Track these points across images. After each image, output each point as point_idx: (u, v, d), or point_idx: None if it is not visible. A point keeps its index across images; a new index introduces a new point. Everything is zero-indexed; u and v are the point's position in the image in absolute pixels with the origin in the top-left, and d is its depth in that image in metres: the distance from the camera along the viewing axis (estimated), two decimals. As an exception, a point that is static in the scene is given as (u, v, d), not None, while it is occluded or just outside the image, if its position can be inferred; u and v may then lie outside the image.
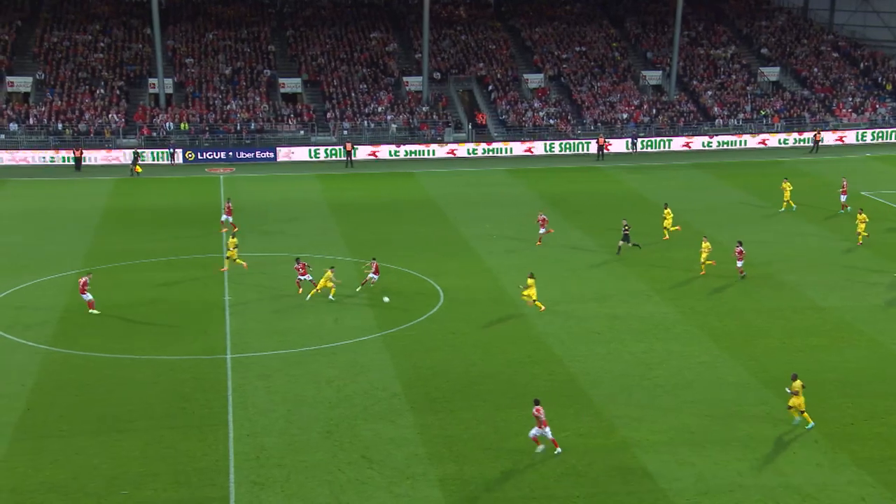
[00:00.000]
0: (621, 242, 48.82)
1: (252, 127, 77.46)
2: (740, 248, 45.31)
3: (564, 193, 63.95)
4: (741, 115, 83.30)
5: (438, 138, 78.78)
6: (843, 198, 57.79)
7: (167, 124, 76.48)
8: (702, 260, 45.77)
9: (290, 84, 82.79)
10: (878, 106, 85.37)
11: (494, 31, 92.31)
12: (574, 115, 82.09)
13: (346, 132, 78.02)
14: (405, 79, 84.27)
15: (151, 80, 79.92)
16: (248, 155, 74.98)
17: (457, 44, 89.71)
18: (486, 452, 29.37)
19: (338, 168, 73.14)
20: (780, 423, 31.20)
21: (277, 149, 75.23)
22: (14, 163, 71.62)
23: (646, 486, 27.55)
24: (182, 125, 76.66)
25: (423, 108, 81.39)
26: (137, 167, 69.57)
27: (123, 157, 72.41)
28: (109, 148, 73.70)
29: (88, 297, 39.93)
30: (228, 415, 31.66)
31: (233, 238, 47.39)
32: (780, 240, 52.63)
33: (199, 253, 49.62)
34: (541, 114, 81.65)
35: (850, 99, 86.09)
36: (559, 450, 29.06)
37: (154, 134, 75.79)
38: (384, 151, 76.37)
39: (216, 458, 28.66)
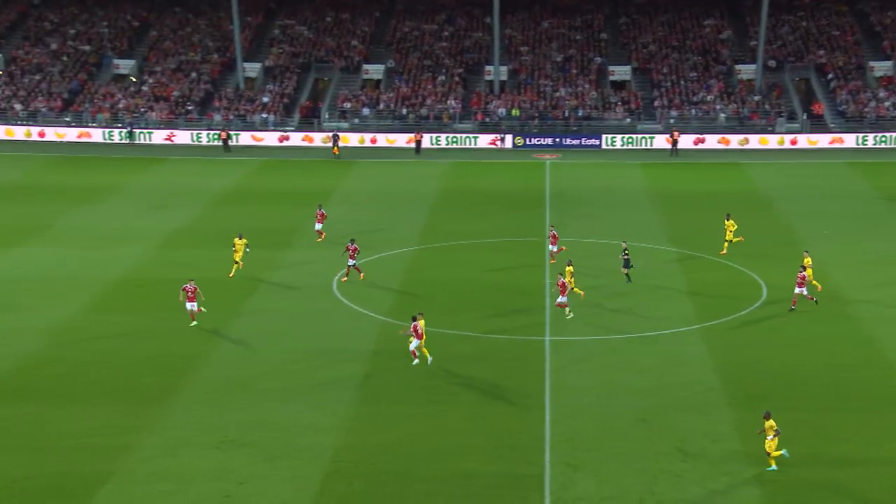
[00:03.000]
0: (625, 270, 42.90)
1: (579, 114, 77.88)
2: None
3: None
4: None
5: (769, 128, 75.54)
6: None
7: (500, 110, 78.51)
8: None
9: (620, 72, 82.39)
10: None
11: (839, 16, 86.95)
12: (922, 106, 75.93)
13: (672, 121, 76.60)
14: (737, 67, 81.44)
15: (488, 68, 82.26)
16: (574, 141, 75.48)
17: (796, 30, 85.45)
18: (808, 457, 27.94)
19: (662, 157, 72.00)
20: None
21: (603, 135, 75.15)
22: (364, 145, 76.15)
23: None
24: (513, 111, 78.42)
25: (755, 98, 78.31)
26: (336, 149, 71.77)
27: (461, 141, 75.21)
28: (445, 132, 76.66)
29: (192, 306, 37.63)
30: (545, 396, 32.12)
31: (241, 238, 44.12)
32: None
33: (523, 236, 50.56)
34: (886, 104, 76.12)
35: None
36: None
37: (487, 119, 78.06)
38: (711, 140, 74.26)
39: (532, 436, 29.18)
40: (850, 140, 73.47)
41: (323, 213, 49.53)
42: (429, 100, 79.99)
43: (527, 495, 26.23)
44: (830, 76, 79.89)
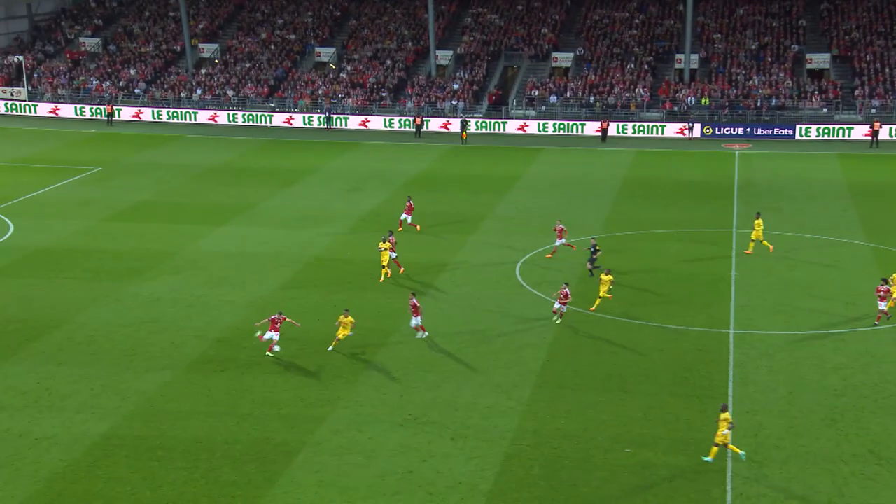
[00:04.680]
0: (590, 265, 41.24)
1: (773, 103, 74.93)
2: None
3: None
4: None
5: (979, 119, 70.68)
6: None
7: (689, 99, 76.48)
8: None
9: (818, 59, 78.70)
10: None
11: None
12: None
13: (873, 111, 72.64)
14: (947, 54, 76.52)
15: (678, 56, 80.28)
16: (766, 131, 72.75)
17: None
18: None
19: (861, 148, 68.44)
20: None
21: (797, 126, 72.11)
22: (549, 133, 75.79)
23: None
24: (703, 100, 76.24)
25: (965, 87, 73.36)
26: (464, 134, 71.42)
27: (647, 129, 73.85)
28: (633, 121, 75.38)
29: (271, 335, 33.90)
30: (729, 389, 31.21)
31: (384, 242, 41.72)
32: None
33: (710, 227, 49.16)
34: None
35: None
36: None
37: (675, 108, 76.21)
38: (915, 132, 70.13)
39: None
40: None
41: (411, 205, 48.66)
42: (616, 88, 78.77)
43: (708, 489, 25.57)
44: None
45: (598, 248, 41.82)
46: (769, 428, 28.57)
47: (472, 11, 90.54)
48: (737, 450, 26.58)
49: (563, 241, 43.88)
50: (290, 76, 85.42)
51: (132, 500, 25.35)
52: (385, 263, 41.37)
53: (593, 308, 37.21)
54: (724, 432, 26.37)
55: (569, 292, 36.36)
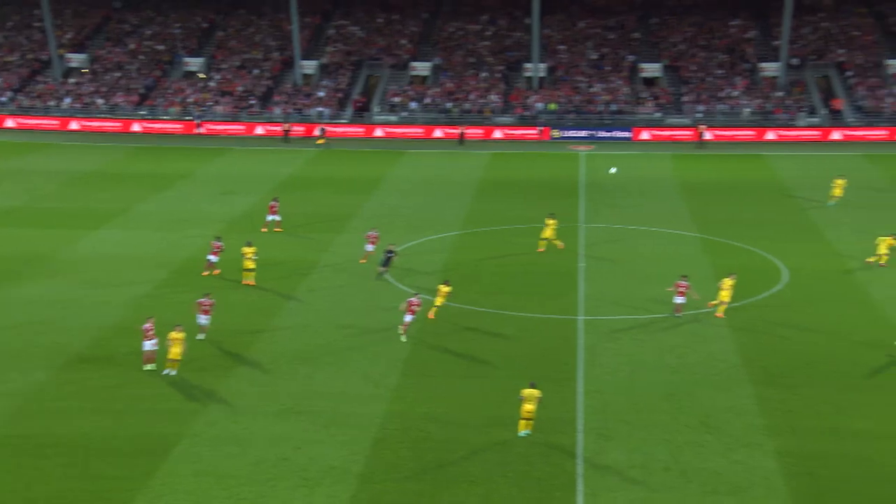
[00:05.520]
0: (383, 268, 40.77)
1: (612, 108, 77.15)
2: None
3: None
4: None
5: (791, 122, 74.33)
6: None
7: (538, 105, 78.00)
8: None
9: (650, 69, 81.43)
10: None
11: (859, 17, 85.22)
12: (936, 102, 74.29)
13: (699, 115, 75.63)
14: (762, 65, 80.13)
15: (527, 65, 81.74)
16: (607, 134, 74.82)
17: (817, 30, 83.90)
18: (826, 430, 27.60)
19: (689, 149, 71.13)
20: None
21: (633, 129, 74.43)
22: (412, 137, 76.04)
23: None
24: (551, 106, 77.87)
25: (778, 94, 77.07)
26: (320, 139, 71.35)
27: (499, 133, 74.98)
28: (487, 125, 76.33)
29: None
30: (578, 371, 31.96)
31: (250, 247, 40.50)
32: None
33: (559, 222, 50.20)
34: (900, 100, 74.66)
35: None
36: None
37: (526, 113, 77.59)
38: (736, 135, 73.21)
39: (567, 409, 29.05)
40: (867, 134, 72.02)
41: (275, 206, 48.27)
42: (472, 95, 79.68)
43: (561, 462, 26.14)
44: (849, 73, 78.39)
45: (394, 252, 40.95)
46: (614, 404, 29.41)
47: (335, 24, 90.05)
48: (528, 427, 27.22)
49: (373, 247, 42.87)
50: (160, 85, 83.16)
51: (12, 498, 24.26)
52: (250, 267, 40.28)
53: (431, 315, 36.04)
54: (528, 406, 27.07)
55: (419, 301, 34.73)
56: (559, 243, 44.71)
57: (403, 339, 34.26)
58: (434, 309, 36.18)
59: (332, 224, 49.90)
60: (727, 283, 36.28)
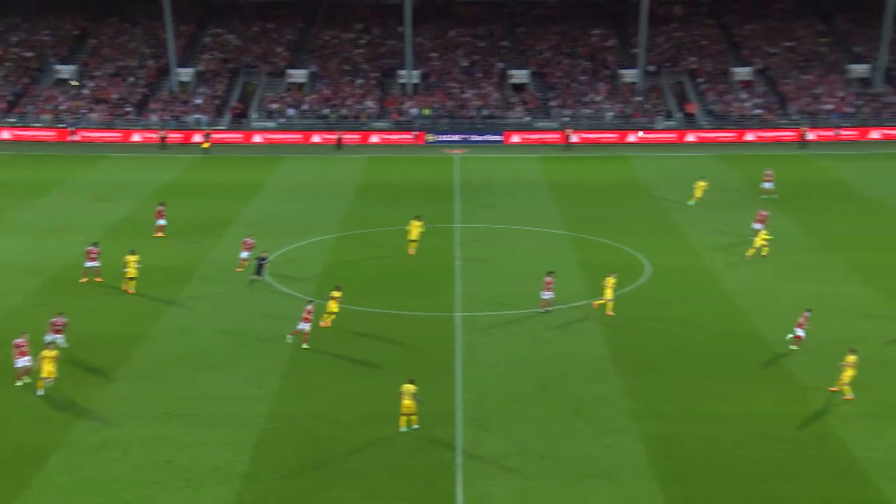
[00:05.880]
0: (256, 276, 39.79)
1: (484, 113, 78.13)
2: None
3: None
4: (947, 107, 76.65)
5: (650, 125, 76.84)
6: (765, 184, 54.74)
7: (412, 110, 78.30)
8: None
9: (519, 75, 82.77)
10: None
11: (707, 28, 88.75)
12: (779, 106, 78.00)
13: (566, 119, 77.36)
14: (621, 71, 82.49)
15: (401, 72, 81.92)
16: (479, 138, 75.69)
17: (671, 39, 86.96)
18: (685, 413, 28.66)
19: (557, 151, 72.64)
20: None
21: (504, 132, 75.57)
22: (290, 142, 75.17)
23: (839, 454, 26.15)
24: (425, 111, 78.28)
25: (637, 98, 79.54)
26: (205, 143, 70.77)
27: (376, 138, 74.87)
28: (364, 131, 76.18)
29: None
30: (456, 366, 32.25)
31: (133, 255, 39.27)
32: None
33: (435, 223, 50.53)
34: (747, 104, 78.05)
35: None
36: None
37: (401, 118, 77.79)
38: (599, 137, 75.20)
39: (445, 402, 29.28)
40: (718, 136, 75.05)
41: (162, 211, 47.46)
42: (348, 101, 79.38)
43: (441, 455, 26.35)
44: (701, 80, 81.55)
45: (267, 259, 40.10)
46: (491, 397, 29.81)
47: (211, 32, 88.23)
48: (415, 422, 27.41)
49: (248, 254, 41.83)
50: (30, 92, 79.75)
51: None
52: (132, 275, 39.06)
53: (327, 323, 35.18)
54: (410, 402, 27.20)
55: (313, 307, 34.12)
56: (412, 250, 44.40)
57: (304, 346, 33.49)
58: (329, 317, 35.24)
59: (212, 230, 48.91)
60: (610, 281, 37.12)
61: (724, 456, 26.14)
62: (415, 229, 44.65)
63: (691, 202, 53.55)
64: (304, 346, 33.51)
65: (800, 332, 33.08)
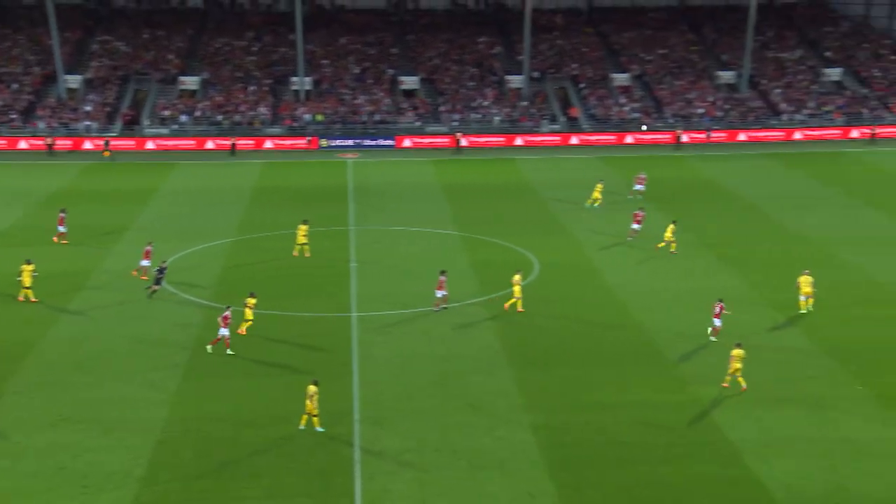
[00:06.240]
0: (154, 286, 38.29)
1: (376, 118, 78.04)
2: None
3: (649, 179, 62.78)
4: (805, 111, 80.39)
5: (536, 129, 78.13)
6: (637, 186, 56.31)
7: (305, 116, 77.61)
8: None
9: (409, 81, 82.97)
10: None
11: (587, 36, 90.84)
12: (655, 110, 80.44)
13: (455, 123, 77.96)
14: (508, 77, 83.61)
15: (293, 79, 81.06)
16: (372, 142, 75.56)
17: (553, 47, 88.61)
18: (573, 404, 29.26)
19: (447, 154, 73.13)
20: (838, 385, 30.32)
21: (396, 137, 75.67)
22: (183, 149, 73.54)
23: (715, 437, 27.14)
24: (318, 117, 77.69)
25: (523, 103, 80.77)
26: (106, 152, 69.18)
27: (271, 144, 73.90)
28: (258, 136, 75.13)
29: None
30: (353, 365, 32.14)
31: (29, 264, 37.74)
32: (843, 223, 50.80)
33: (331, 226, 50.30)
34: (626, 108, 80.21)
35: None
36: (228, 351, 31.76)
37: (295, 124, 77.01)
38: (488, 141, 76.06)
39: (343, 401, 29.16)
40: (599, 139, 76.83)
41: (62, 217, 46.04)
42: (241, 107, 78.10)
43: (340, 451, 26.24)
44: (582, 85, 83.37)
45: (165, 269, 38.66)
46: (387, 394, 29.82)
47: (99, 39, 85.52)
48: (317, 424, 27.20)
49: (148, 262, 40.71)
50: (-88, 99, 75.79)
51: None
52: (27, 284, 37.50)
53: (242, 331, 34.34)
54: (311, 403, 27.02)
55: (229, 314, 33.27)
56: (296, 252, 44.12)
57: (229, 351, 32.77)
58: (245, 324, 34.33)
59: (106, 237, 47.43)
60: (516, 278, 37.48)
61: (610, 443, 26.81)
62: (301, 233, 44.33)
63: (589, 203, 54.49)
64: (229, 351, 32.80)
65: (717, 323, 34.22)
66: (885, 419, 27.93)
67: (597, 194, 54.77)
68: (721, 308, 34.20)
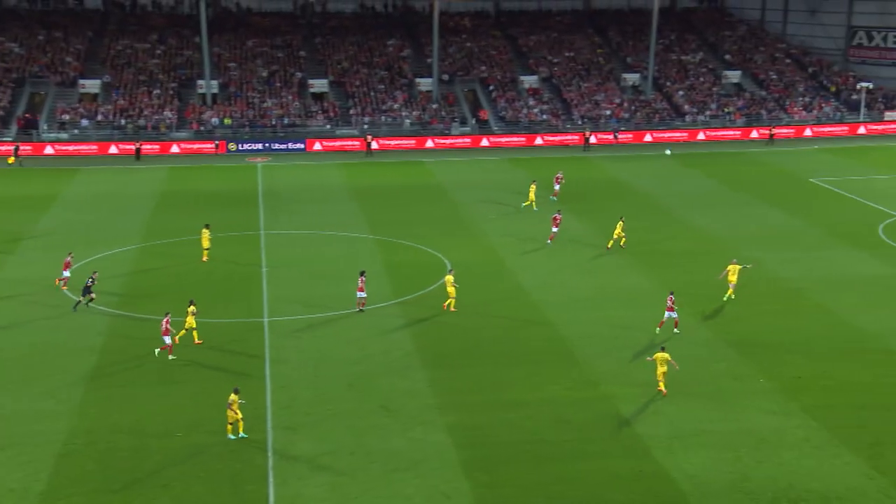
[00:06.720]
0: (82, 298, 36.80)
1: (285, 122, 77.09)
2: None
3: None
4: (708, 112, 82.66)
5: (446, 131, 78.33)
6: (557, 186, 57.32)
7: (213, 120, 76.16)
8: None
9: (318, 84, 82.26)
10: (823, 105, 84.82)
11: (495, 39, 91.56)
12: (563, 112, 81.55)
13: (366, 126, 77.62)
14: (417, 80, 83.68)
15: (200, 82, 79.47)
16: (281, 146, 74.63)
17: (462, 50, 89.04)
18: (488, 403, 29.33)
19: (358, 157, 72.76)
20: (741, 378, 31.10)
21: (307, 140, 74.92)
22: (85, 154, 71.31)
23: (625, 433, 27.53)
24: (225, 120, 76.32)
25: (433, 106, 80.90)
26: (10, 159, 67.09)
27: (176, 148, 72.28)
28: (164, 141, 73.43)
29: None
30: (265, 370, 31.63)
31: None
32: (744, 221, 52.30)
33: (240, 230, 49.45)
34: (535, 110, 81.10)
35: (801, 99, 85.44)
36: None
37: (202, 128, 75.50)
38: (399, 143, 75.96)
39: (255, 406, 28.63)
40: (509, 141, 77.51)
41: None
42: (146, 111, 76.18)
43: (251, 458, 25.75)
44: (491, 87, 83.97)
45: (94, 280, 37.18)
46: (300, 398, 29.41)
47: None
48: (241, 431, 26.80)
49: (68, 272, 39.34)
50: None
51: None
52: None
53: (198, 341, 33.54)
54: (233, 410, 26.57)
55: (168, 325, 32.35)
56: (206, 258, 43.46)
57: (171, 357, 32.04)
58: (194, 332, 33.49)
59: (4, 245, 45.56)
60: (449, 279, 37.41)
61: (524, 441, 26.94)
62: (205, 237, 43.53)
63: (526, 205, 54.40)
64: (171, 357, 32.06)
65: (674, 315, 34.77)
66: (787, 411, 28.80)
67: (532, 195, 54.78)
68: (672, 300, 34.83)
